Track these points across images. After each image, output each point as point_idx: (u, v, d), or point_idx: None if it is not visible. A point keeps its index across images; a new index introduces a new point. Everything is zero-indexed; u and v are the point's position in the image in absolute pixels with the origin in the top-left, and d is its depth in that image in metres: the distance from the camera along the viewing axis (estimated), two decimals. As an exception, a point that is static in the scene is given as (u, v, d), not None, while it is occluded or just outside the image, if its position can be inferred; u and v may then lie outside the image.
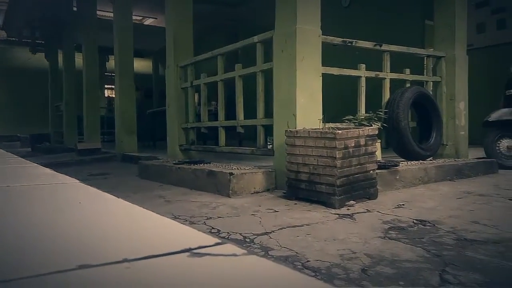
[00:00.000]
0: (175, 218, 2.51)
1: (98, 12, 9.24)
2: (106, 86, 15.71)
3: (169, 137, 5.32)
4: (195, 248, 0.83)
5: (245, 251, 0.81)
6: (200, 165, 4.02)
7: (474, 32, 8.69)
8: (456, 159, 4.38)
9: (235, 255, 0.79)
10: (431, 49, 4.81)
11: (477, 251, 1.76)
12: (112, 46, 7.57)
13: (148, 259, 0.77)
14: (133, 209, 1.32)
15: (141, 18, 12.17)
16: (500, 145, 4.70)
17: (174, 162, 4.40)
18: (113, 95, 10.20)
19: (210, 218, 2.50)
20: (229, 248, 0.84)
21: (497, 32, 8.58)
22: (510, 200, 2.87)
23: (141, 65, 15.01)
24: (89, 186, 1.77)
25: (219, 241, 0.89)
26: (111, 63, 12.59)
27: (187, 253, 0.80)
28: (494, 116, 4.72)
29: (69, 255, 0.83)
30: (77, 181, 1.95)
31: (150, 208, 2.83)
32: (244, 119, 4.19)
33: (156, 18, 12.03)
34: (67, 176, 2.19)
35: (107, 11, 9.54)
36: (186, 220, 2.44)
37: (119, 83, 7.38)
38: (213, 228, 2.24)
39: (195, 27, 5.30)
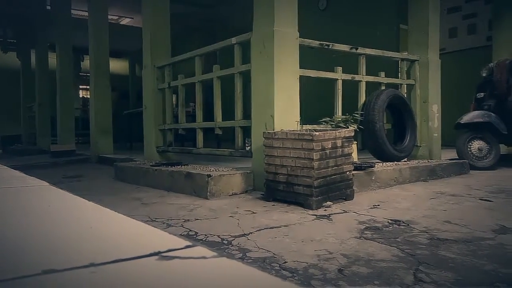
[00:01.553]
0: (152, 220, 2.48)
1: (73, 11, 9.04)
2: (81, 86, 15.37)
3: (146, 138, 5.25)
4: (165, 252, 0.81)
5: (215, 254, 0.80)
6: (178, 167, 3.97)
7: (447, 36, 8.96)
8: (429, 160, 4.49)
9: (204, 257, 0.78)
10: (405, 53, 4.92)
11: (450, 250, 1.80)
12: (87, 45, 7.41)
13: (115, 263, 0.75)
14: (104, 212, 1.29)
15: (117, 18, 11.97)
16: (472, 146, 4.84)
17: (151, 164, 4.34)
18: (88, 96, 9.99)
19: (188, 220, 2.47)
20: (199, 251, 0.83)
21: (468, 36, 8.86)
22: (481, 200, 2.96)
23: (118, 66, 14.76)
24: (59, 189, 1.72)
25: (190, 243, 0.88)
26: (86, 63, 12.33)
27: (156, 257, 0.79)
28: (465, 118, 4.86)
29: (33, 260, 0.80)
30: (48, 184, 1.89)
31: (126, 211, 2.77)
32: (223, 120, 4.17)
33: (132, 18, 11.86)
34: (39, 179, 2.12)
35: (82, 10, 9.35)
36: (163, 223, 2.41)
37: (95, 84, 7.23)
38: (190, 230, 2.22)
39: (172, 28, 5.25)
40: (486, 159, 4.79)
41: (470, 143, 4.84)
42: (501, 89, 4.80)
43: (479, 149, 4.82)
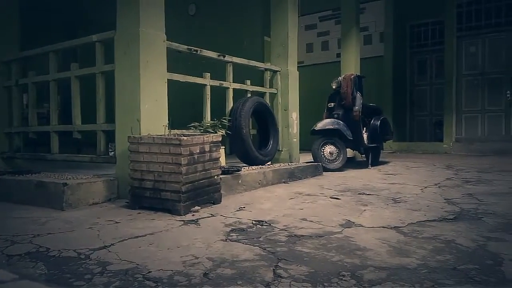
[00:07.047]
0: (-9, 239, 2.13)
1: None
2: None
3: (-13, 143, 4.51)
4: None
5: (16, 277, 0.72)
6: (27, 175, 3.51)
7: (304, 51, 9.92)
8: (289, 164, 4.88)
9: (2, 282, 0.68)
10: (269, 64, 5.26)
11: (305, 245, 1.98)
12: None
13: None
14: None
15: (-52, -1, 10.05)
16: (324, 150, 5.42)
17: (-7, 172, 3.74)
18: None
19: (38, 235, 2.20)
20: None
21: (322, 52, 9.97)
22: (331, 198, 3.33)
23: (-51, 56, 12.38)
24: None
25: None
26: None
27: None
28: (319, 125, 5.44)
29: None
30: None
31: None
32: (85, 123, 3.84)
33: (-30, 2, 10.10)
34: None
35: None
36: (7, 240, 2.09)
37: None
38: (41, 246, 1.97)
39: (26, 21, 4.64)
40: (336, 161, 5.42)
41: (323, 148, 5.42)
42: (347, 100, 5.49)
43: (330, 153, 5.42)
